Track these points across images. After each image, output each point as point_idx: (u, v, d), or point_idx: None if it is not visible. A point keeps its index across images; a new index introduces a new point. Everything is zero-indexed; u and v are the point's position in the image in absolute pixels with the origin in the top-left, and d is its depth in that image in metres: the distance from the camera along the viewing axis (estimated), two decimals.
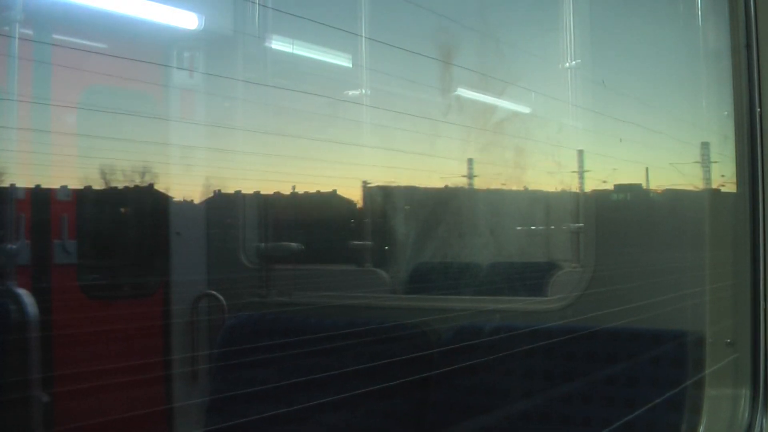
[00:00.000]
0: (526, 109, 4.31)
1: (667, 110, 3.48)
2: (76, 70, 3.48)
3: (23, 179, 3.56)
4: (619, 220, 3.62)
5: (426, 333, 3.19)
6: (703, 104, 2.83)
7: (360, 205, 4.68)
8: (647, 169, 3.78)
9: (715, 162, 2.82)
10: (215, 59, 4.32)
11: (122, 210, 4.27)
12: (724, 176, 2.73)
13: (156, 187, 4.14)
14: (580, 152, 3.94)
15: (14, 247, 3.51)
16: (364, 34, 4.09)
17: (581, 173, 3.94)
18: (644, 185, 3.88)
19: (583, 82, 3.78)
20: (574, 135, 3.95)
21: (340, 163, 4.19)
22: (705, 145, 2.95)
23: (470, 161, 4.40)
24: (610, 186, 3.89)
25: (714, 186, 2.85)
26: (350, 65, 4.31)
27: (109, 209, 4.22)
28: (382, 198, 4.56)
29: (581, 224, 3.72)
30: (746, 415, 2.32)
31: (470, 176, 4.43)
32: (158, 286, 4.23)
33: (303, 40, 4.09)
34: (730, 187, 2.56)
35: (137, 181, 4.08)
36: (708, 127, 2.83)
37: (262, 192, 4.37)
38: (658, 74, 3.50)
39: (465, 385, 2.94)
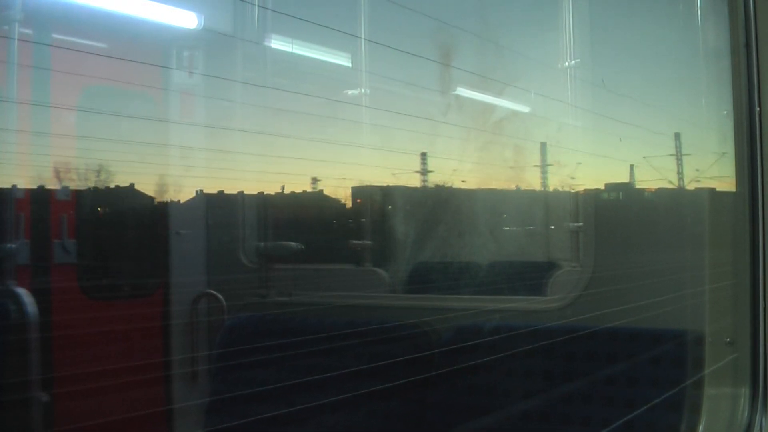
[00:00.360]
0: (524, 108, 4.32)
1: (666, 109, 3.48)
2: (76, 69, 3.48)
3: (23, 179, 3.56)
4: (607, 218, 3.62)
5: (426, 332, 3.19)
6: (702, 103, 2.83)
7: (355, 204, 4.69)
8: (632, 166, 3.78)
9: (688, 154, 2.82)
10: (214, 59, 4.32)
11: (122, 210, 4.27)
12: (699, 170, 2.73)
13: (156, 187, 4.14)
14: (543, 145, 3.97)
15: (14, 246, 3.50)
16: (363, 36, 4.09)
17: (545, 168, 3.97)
18: (635, 184, 3.89)
19: (582, 82, 3.78)
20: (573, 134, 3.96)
21: (339, 163, 4.20)
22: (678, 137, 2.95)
23: (423, 155, 4.44)
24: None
25: (688, 179, 2.85)
26: (349, 65, 4.31)
27: (108, 209, 4.22)
28: (380, 197, 4.57)
29: (580, 223, 3.72)
30: (746, 414, 2.32)
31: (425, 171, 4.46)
32: (158, 285, 4.23)
33: (301, 39, 4.10)
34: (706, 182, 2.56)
35: (137, 181, 4.08)
36: (707, 126, 2.83)
37: (261, 192, 4.37)
38: (657, 73, 3.50)
39: (464, 385, 2.94)
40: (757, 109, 2.28)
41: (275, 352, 3.17)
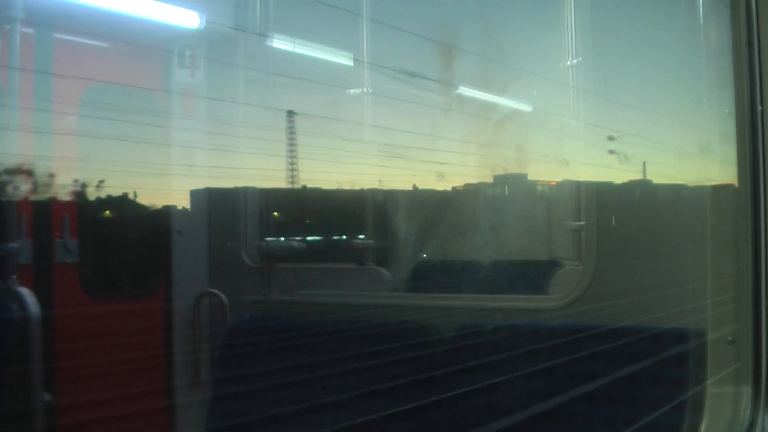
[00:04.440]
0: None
1: (667, 108, 3.48)
2: (76, 68, 3.48)
3: (25, 178, 3.56)
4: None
5: (427, 331, 3.19)
6: (704, 102, 2.83)
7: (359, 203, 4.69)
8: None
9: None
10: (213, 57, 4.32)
11: (124, 209, 4.27)
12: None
13: (157, 186, 4.14)
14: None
15: (16, 245, 3.51)
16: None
17: None
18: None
19: (584, 81, 3.78)
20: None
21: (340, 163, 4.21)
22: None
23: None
24: None
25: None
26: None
27: (110, 208, 4.22)
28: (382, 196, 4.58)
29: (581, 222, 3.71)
30: (748, 413, 2.32)
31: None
32: (160, 284, 4.23)
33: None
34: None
35: (139, 181, 4.08)
36: (709, 125, 2.83)
37: (263, 191, 4.36)
38: (658, 71, 3.49)
39: (465, 384, 2.94)
40: (759, 107, 2.28)
41: (277, 350, 3.18)
